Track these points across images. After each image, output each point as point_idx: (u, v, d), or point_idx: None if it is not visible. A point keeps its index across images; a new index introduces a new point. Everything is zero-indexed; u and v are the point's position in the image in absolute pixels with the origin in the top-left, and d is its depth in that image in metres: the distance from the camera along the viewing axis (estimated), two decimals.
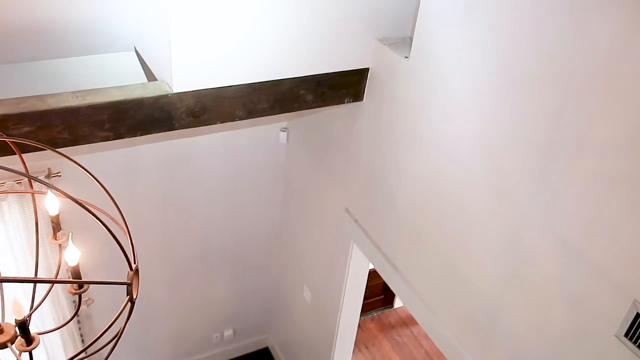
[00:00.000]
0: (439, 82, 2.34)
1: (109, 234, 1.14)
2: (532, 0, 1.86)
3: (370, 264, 3.42)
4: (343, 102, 2.83)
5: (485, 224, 2.25)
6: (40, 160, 3.23)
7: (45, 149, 1.47)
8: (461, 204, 2.35)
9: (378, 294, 5.76)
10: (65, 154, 1.43)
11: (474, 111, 2.19)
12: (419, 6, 2.37)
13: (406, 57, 2.52)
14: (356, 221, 3.22)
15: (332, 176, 3.44)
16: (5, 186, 3.00)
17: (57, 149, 1.47)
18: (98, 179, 1.33)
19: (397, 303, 5.89)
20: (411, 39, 2.49)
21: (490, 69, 2.07)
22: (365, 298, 4.77)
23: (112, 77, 2.62)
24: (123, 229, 1.20)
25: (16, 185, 3.05)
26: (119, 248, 1.19)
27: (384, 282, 4.89)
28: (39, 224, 1.49)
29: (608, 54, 1.66)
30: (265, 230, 4.52)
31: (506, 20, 1.97)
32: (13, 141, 1.34)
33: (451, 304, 2.54)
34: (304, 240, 4.12)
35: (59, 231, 1.35)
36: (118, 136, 2.38)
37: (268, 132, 3.97)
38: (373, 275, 4.34)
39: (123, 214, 1.34)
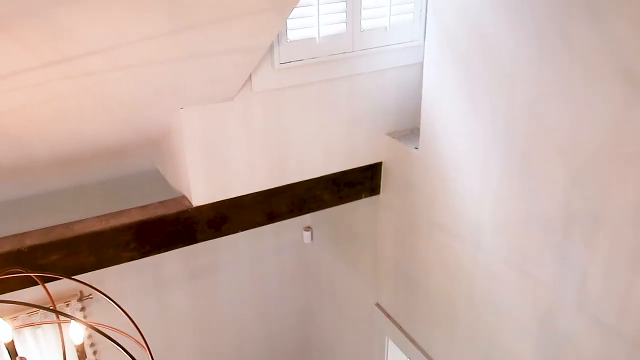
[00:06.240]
0: (450, 169, 2.36)
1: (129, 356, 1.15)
2: (530, 82, 1.91)
3: (408, 359, 3.31)
4: (360, 198, 2.87)
5: (515, 307, 2.19)
6: (74, 284, 3.28)
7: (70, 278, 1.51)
8: (490, 288, 2.30)
9: None
10: (88, 283, 1.47)
11: (487, 194, 2.19)
12: (422, 97, 2.45)
13: (416, 147, 2.57)
14: (388, 316, 3.16)
15: (360, 272, 3.41)
16: (18, 320, 3.04)
17: (74, 277, 1.51)
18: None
19: None
20: (419, 129, 2.55)
21: (496, 150, 2.10)
22: None
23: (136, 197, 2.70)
24: (145, 350, 1.21)
25: (28, 317, 3.09)
26: None
27: None
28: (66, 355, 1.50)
29: (608, 126, 1.68)
30: (296, 335, 4.43)
31: (505, 102, 2.02)
32: (38, 275, 1.38)
33: None
34: (336, 341, 4.02)
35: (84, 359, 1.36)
36: (143, 255, 2.43)
37: (292, 233, 3.99)
38: None
39: (145, 335, 1.35)
